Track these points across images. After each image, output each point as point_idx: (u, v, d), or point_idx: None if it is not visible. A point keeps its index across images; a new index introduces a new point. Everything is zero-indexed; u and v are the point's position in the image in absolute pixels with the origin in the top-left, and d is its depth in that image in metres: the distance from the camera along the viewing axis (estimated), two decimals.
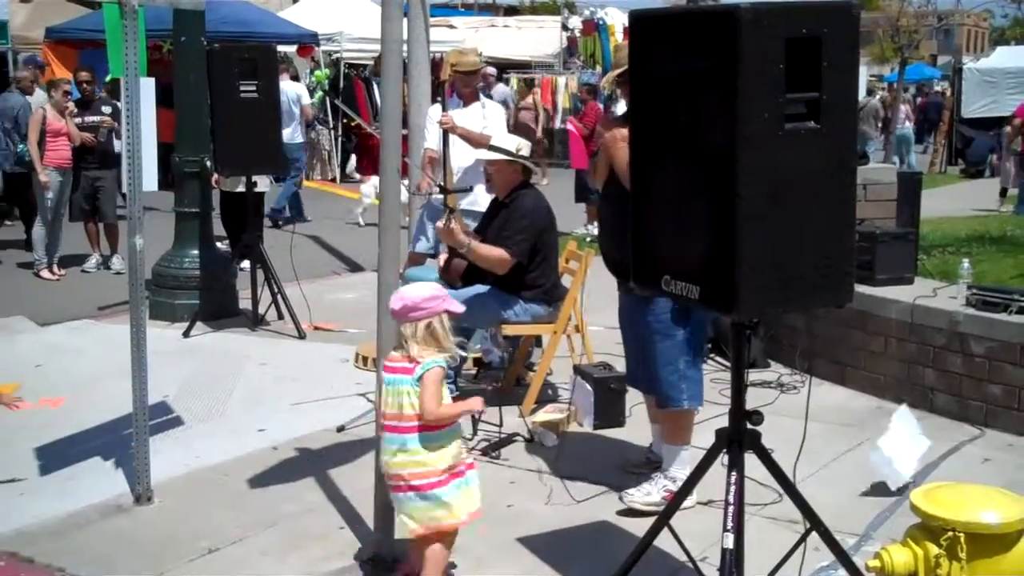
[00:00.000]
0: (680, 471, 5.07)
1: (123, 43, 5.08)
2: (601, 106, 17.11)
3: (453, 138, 7.66)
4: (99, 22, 12.11)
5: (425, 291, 4.19)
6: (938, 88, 33.19)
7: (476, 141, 7.35)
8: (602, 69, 22.89)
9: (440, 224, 6.32)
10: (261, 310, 8.83)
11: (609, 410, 5.73)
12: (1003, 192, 17.19)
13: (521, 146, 6.42)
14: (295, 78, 19.72)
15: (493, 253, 6.24)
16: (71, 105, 11.65)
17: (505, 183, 6.46)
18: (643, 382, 5.28)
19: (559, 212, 6.62)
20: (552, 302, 6.49)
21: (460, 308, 4.31)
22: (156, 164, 5.43)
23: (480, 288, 6.35)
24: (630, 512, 5.03)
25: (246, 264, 9.23)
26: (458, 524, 4.20)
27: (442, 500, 4.11)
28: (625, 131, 4.92)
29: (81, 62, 16.22)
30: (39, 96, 12.69)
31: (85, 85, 11.96)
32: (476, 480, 4.25)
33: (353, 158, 20.53)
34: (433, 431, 4.10)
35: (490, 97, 17.70)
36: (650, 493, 5.09)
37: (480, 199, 7.55)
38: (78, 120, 11.48)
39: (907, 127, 23.41)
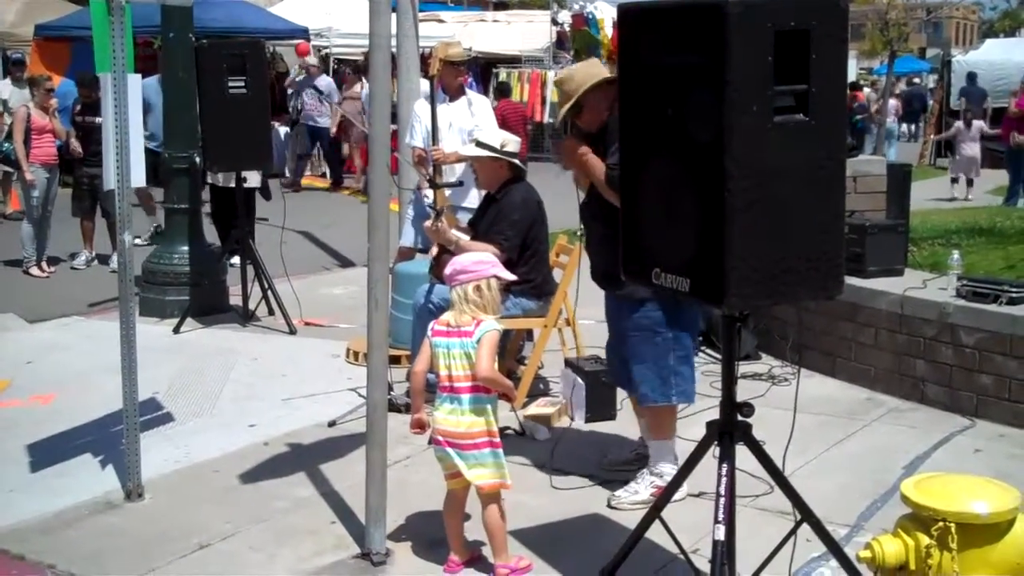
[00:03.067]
0: (667, 466, 5.07)
1: (110, 40, 5.06)
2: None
3: (443, 134, 7.65)
4: (88, 19, 12.07)
5: (473, 256, 4.47)
6: (917, 80, 33.30)
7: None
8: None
9: (428, 224, 6.30)
10: (251, 306, 8.82)
11: (600, 403, 5.72)
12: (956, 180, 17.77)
13: (507, 142, 6.38)
14: (285, 73, 19.72)
15: (482, 249, 6.22)
16: (54, 102, 11.65)
17: (490, 178, 6.44)
18: (625, 380, 5.27)
19: (548, 208, 6.59)
20: (543, 296, 6.48)
21: (510, 276, 4.46)
22: (144, 161, 5.40)
23: None
24: None
25: (236, 260, 9.21)
26: (499, 486, 4.31)
27: (487, 460, 4.26)
28: (585, 147, 4.96)
29: (74, 58, 16.22)
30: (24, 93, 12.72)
31: (84, 89, 11.93)
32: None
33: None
34: (484, 393, 4.26)
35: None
36: (637, 492, 5.09)
37: (474, 195, 7.57)
38: (79, 120, 11.49)
39: (892, 121, 23.51)
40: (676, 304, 4.90)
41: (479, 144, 6.41)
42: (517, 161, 6.39)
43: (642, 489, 5.08)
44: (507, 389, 4.40)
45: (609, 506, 5.08)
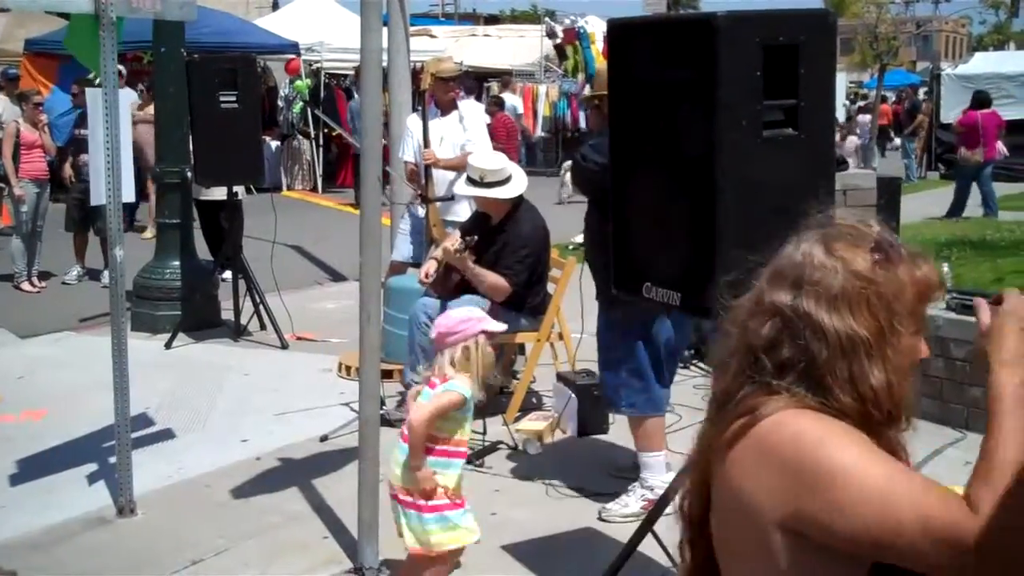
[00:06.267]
0: (656, 479, 5.06)
1: (99, 53, 5.05)
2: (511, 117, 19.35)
3: (436, 146, 7.67)
4: None
5: (458, 315, 4.09)
6: (885, 94, 33.57)
7: (460, 166, 7.34)
8: (584, 77, 23.01)
9: (451, 246, 6.27)
10: (243, 320, 8.82)
11: (592, 417, 5.74)
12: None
13: (485, 174, 6.29)
14: (274, 88, 19.67)
15: (494, 281, 6.22)
16: (44, 117, 11.64)
17: (489, 208, 6.43)
18: None
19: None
20: (538, 314, 6.48)
21: (500, 327, 4.15)
22: (132, 176, 5.41)
23: (468, 299, 6.31)
24: None
25: (228, 274, 9.22)
26: (431, 555, 3.97)
27: (435, 524, 3.92)
28: None
29: (61, 74, 16.20)
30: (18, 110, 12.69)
31: (76, 99, 11.92)
32: (466, 520, 4.00)
33: None
34: (438, 456, 3.89)
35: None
36: (628, 505, 5.09)
37: (466, 208, 7.56)
38: (77, 133, 11.49)
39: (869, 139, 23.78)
40: (642, 315, 4.86)
41: (470, 181, 6.36)
42: (502, 196, 6.33)
43: (632, 502, 5.09)
44: (426, 480, 3.86)
45: (600, 519, 5.08)
